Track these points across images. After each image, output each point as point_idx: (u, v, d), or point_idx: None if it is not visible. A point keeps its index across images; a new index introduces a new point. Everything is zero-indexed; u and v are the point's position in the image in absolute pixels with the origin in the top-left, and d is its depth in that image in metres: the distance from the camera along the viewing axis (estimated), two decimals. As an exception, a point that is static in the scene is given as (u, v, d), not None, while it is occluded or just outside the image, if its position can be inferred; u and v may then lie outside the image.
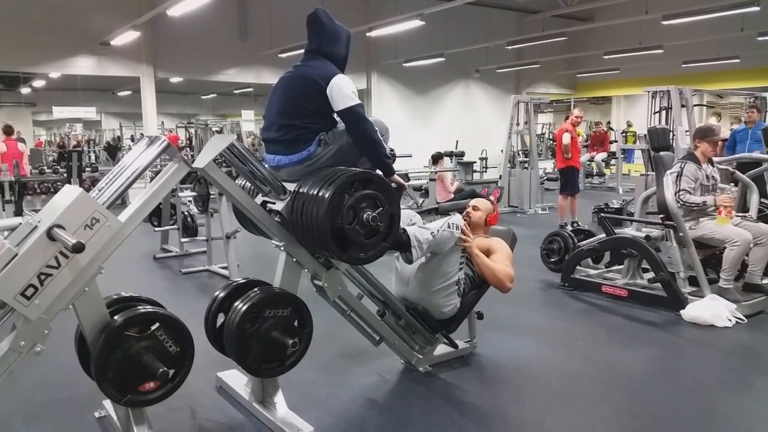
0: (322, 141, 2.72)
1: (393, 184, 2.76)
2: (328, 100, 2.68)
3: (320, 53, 2.81)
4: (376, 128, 2.74)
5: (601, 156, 13.64)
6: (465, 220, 3.61)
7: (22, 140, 12.47)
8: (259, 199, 2.80)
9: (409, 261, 2.98)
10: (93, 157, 14.37)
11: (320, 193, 2.50)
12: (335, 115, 2.74)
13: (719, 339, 3.95)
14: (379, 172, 2.77)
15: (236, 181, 2.83)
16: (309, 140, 2.71)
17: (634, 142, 15.42)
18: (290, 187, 2.70)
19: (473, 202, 3.68)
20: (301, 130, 2.71)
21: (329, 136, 2.74)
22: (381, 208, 2.59)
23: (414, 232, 2.93)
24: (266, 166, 2.78)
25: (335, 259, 2.78)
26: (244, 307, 2.52)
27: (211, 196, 5.83)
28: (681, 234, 4.49)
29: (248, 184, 2.86)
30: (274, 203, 2.72)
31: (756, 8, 9.70)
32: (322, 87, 2.68)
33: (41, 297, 2.05)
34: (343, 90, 2.68)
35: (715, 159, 4.91)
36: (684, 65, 14.46)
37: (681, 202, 4.46)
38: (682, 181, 4.50)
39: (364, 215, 2.53)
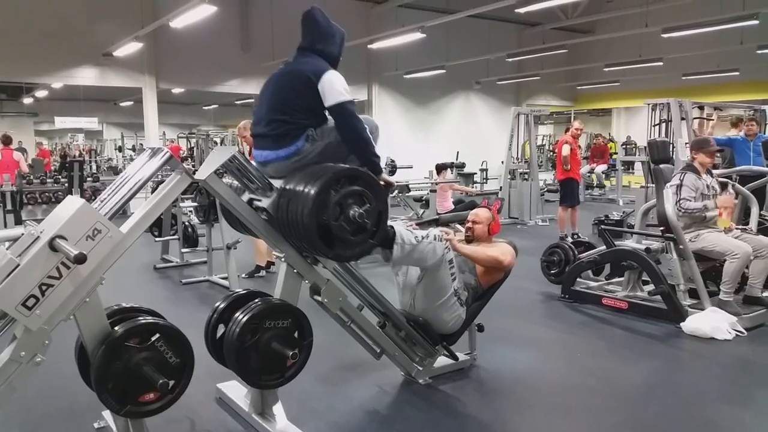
0: (310, 137, 2.69)
1: (381, 182, 2.71)
2: (320, 95, 2.64)
3: (313, 50, 2.78)
4: (366, 126, 2.71)
5: (601, 168, 13.68)
6: (467, 234, 3.62)
7: (23, 150, 12.52)
8: (246, 196, 2.76)
9: (387, 258, 2.90)
10: (94, 167, 14.42)
11: (306, 190, 2.46)
12: (326, 113, 2.71)
13: (719, 352, 3.94)
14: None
15: (222, 180, 2.71)
16: (297, 136, 2.68)
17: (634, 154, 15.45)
18: (277, 183, 2.66)
19: (471, 215, 3.66)
20: (290, 126, 2.68)
21: (317, 133, 2.70)
22: (368, 205, 2.54)
23: (400, 230, 2.90)
24: (253, 162, 2.76)
25: (322, 257, 2.74)
26: (245, 318, 2.51)
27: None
28: (681, 246, 4.49)
29: (235, 183, 2.79)
30: (260, 200, 2.69)
31: (755, 22, 9.80)
32: (313, 82, 2.64)
33: (42, 307, 2.05)
34: (335, 85, 2.64)
35: (715, 171, 4.93)
36: (684, 78, 14.55)
37: (683, 210, 4.46)
38: (683, 190, 4.51)
39: (351, 212, 2.50)
